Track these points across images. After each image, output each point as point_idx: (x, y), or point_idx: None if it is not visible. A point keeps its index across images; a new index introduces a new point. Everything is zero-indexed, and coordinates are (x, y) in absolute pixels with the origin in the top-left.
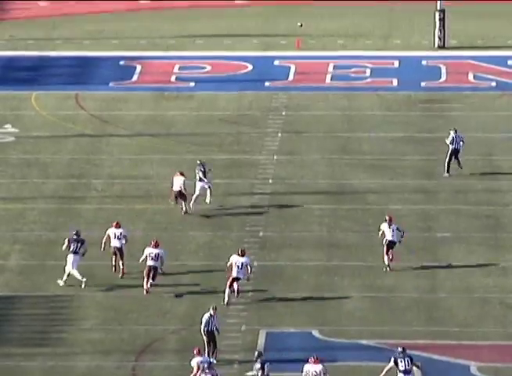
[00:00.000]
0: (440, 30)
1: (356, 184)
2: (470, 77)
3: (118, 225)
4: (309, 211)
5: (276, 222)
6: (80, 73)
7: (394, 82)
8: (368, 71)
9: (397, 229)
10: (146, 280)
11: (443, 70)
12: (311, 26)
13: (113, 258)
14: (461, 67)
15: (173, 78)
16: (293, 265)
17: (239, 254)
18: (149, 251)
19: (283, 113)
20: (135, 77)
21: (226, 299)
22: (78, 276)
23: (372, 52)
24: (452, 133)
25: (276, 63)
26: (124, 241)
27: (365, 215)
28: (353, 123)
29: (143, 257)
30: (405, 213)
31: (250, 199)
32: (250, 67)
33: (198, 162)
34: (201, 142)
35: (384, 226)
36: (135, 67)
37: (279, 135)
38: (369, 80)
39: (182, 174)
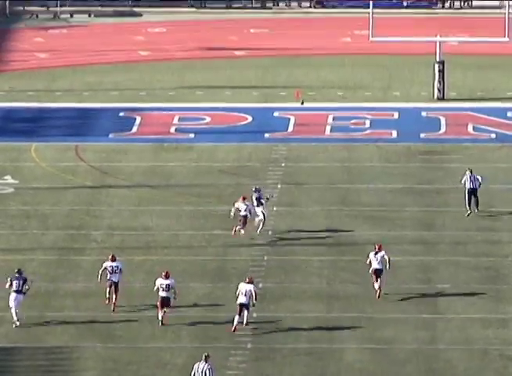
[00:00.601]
0: (439, 81)
1: (356, 235)
2: (470, 128)
3: (114, 259)
4: (309, 262)
5: (276, 273)
6: (79, 124)
7: (394, 134)
8: (367, 123)
9: (382, 256)
10: (159, 310)
11: (442, 122)
12: (311, 77)
13: (108, 290)
14: (460, 119)
15: (172, 130)
16: (292, 316)
17: (246, 282)
18: (161, 282)
19: (283, 164)
20: (134, 129)
21: (235, 324)
22: (14, 317)
23: (371, 103)
24: (467, 173)
25: (276, 114)
26: (119, 275)
27: (365, 266)
28: (352, 174)
29: (155, 288)
30: (404, 264)
31: (249, 250)
32: (250, 119)
33: (253, 189)
34: (200, 193)
35: (371, 255)
36: (135, 119)
37: (279, 186)
38: (368, 131)
39: (245, 199)
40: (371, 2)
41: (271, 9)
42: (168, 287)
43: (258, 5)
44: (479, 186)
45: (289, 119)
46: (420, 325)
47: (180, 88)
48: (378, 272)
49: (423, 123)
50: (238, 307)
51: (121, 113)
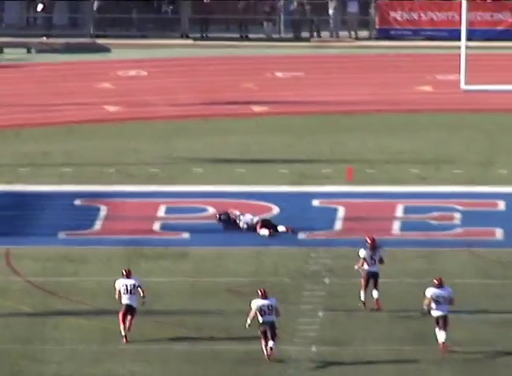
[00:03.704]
0: None
1: None
2: None
3: (129, 274)
4: None
5: None
6: (13, 218)
7: (499, 234)
8: (457, 217)
9: (380, 256)
10: (263, 342)
11: None
12: (369, 146)
13: (122, 322)
14: None
15: (156, 226)
16: None
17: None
18: (260, 303)
19: (326, 280)
20: (97, 225)
21: None
22: None
23: (463, 186)
24: None
25: (316, 203)
26: (141, 295)
27: None
28: None
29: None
30: None
31: None
32: (276, 210)
33: None
34: (199, 324)
35: (363, 253)
36: (99, 209)
37: (320, 314)
38: (458, 230)
39: None
40: (464, 31)
41: (308, 40)
42: (271, 309)
43: (290, 36)
44: None
45: (335, 210)
46: None
47: (168, 162)
48: (375, 277)
49: None
50: None
51: (77, 201)
